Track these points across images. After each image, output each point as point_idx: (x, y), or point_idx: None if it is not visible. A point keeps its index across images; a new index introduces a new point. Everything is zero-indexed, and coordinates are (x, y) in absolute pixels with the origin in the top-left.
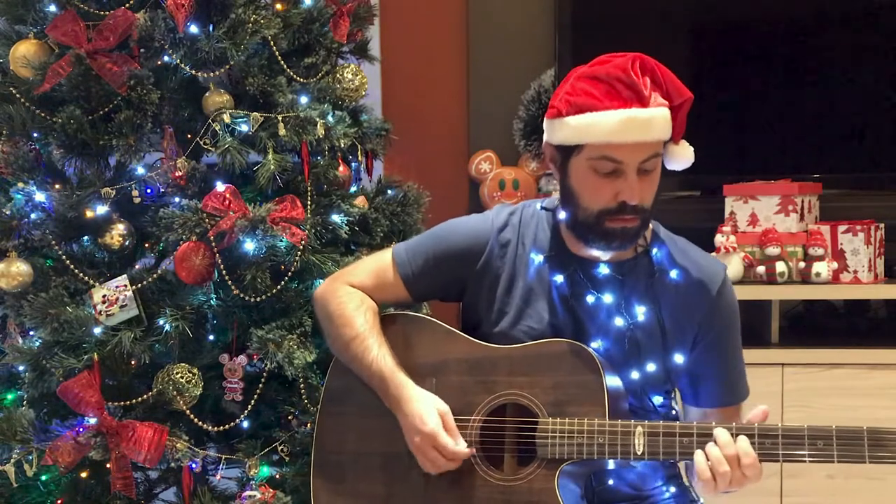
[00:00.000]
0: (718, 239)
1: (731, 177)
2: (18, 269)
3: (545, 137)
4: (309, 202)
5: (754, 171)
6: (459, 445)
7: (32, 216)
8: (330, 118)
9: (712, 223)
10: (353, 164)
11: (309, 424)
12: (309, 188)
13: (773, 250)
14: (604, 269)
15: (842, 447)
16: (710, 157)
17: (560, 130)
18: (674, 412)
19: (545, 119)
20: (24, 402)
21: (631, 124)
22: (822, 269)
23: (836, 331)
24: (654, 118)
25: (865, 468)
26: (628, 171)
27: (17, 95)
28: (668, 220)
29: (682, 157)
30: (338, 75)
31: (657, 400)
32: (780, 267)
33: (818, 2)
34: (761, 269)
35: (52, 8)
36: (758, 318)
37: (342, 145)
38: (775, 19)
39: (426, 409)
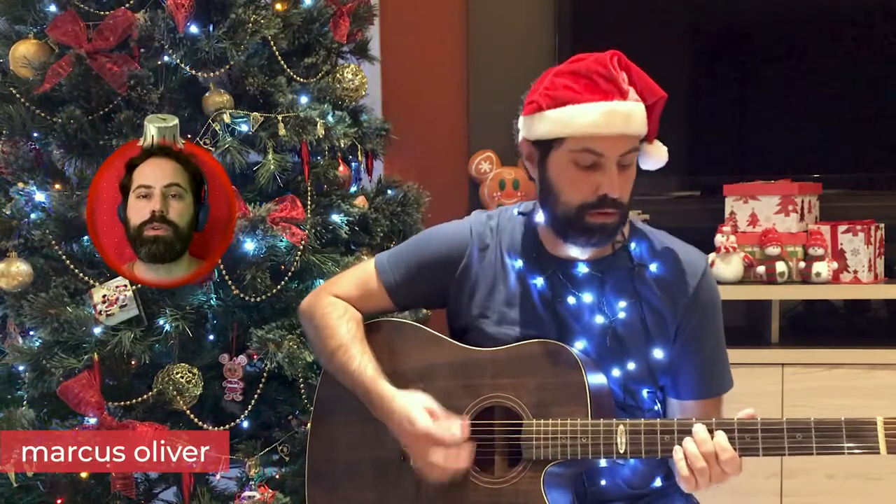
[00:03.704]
0: (718, 239)
1: (731, 177)
2: (18, 269)
3: (521, 135)
4: (309, 202)
5: (754, 171)
6: (453, 429)
7: (32, 216)
8: (330, 118)
9: (712, 223)
10: (353, 164)
11: (308, 425)
12: (309, 188)
13: (773, 250)
14: (583, 269)
15: (820, 439)
16: (710, 157)
17: (540, 125)
18: (656, 407)
19: (521, 117)
20: (24, 402)
21: (612, 116)
22: (822, 269)
23: (836, 331)
24: (634, 112)
25: (865, 468)
26: (608, 163)
27: (17, 95)
28: (668, 220)
29: (657, 156)
30: (338, 75)
31: (644, 394)
32: (780, 267)
33: (818, 1)
34: (761, 269)
35: (52, 8)
36: (758, 318)
37: (342, 145)
38: (775, 19)
39: (411, 408)
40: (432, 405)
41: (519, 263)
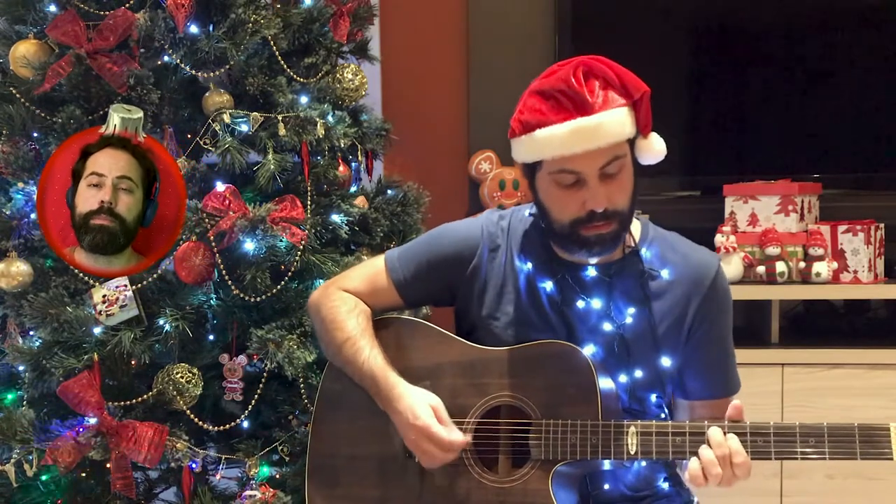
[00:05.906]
0: (718, 239)
1: (731, 177)
2: (18, 269)
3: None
4: (309, 202)
5: (754, 171)
6: (453, 435)
7: (32, 216)
8: (330, 118)
9: (712, 223)
10: (353, 164)
11: (309, 424)
12: (309, 188)
13: (773, 250)
14: (591, 272)
15: (833, 444)
16: (710, 157)
17: (518, 149)
18: (663, 416)
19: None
20: (24, 402)
21: (578, 134)
22: (822, 269)
23: (836, 331)
24: (603, 123)
25: (865, 468)
26: (589, 179)
27: (17, 95)
28: (668, 220)
29: (651, 150)
30: (338, 75)
31: (653, 398)
32: (780, 267)
33: (818, 2)
34: (761, 269)
35: (52, 8)
36: (758, 318)
37: (342, 145)
38: (775, 19)
39: (417, 403)
40: (439, 407)
41: (528, 266)
